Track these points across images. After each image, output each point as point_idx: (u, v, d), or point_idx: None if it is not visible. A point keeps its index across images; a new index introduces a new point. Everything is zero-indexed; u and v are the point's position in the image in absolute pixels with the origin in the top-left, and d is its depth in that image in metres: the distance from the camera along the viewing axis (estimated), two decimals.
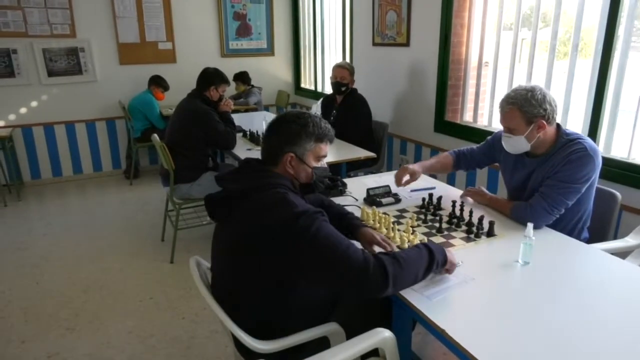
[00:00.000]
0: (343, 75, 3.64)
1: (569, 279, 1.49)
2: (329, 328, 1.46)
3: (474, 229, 1.79)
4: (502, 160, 2.14)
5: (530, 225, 1.56)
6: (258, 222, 1.31)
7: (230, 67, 5.21)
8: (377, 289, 1.26)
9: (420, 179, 2.25)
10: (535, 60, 2.99)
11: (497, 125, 2.08)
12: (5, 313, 2.72)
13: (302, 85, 6.23)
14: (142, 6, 5.14)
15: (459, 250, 1.66)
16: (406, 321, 1.53)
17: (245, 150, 3.36)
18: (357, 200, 2.18)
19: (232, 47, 5.77)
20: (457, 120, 3.67)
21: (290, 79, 6.28)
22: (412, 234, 1.73)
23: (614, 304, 1.36)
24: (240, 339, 1.33)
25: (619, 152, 2.60)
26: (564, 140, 1.85)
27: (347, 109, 3.68)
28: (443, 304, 1.34)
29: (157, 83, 5.02)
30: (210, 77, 3.28)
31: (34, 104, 4.93)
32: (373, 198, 2.13)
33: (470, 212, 1.85)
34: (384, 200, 2.12)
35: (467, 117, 3.65)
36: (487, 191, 2.13)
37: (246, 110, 5.27)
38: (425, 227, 1.87)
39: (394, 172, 2.23)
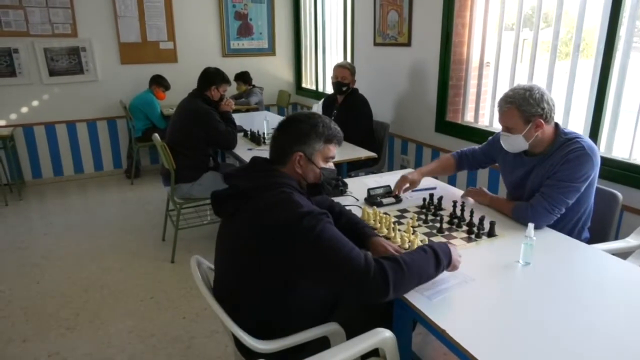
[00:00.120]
0: (344, 75, 3.64)
1: (570, 279, 1.49)
2: (329, 328, 1.46)
3: (475, 229, 1.79)
4: (501, 159, 2.15)
5: (531, 225, 1.56)
6: (262, 221, 1.31)
7: (231, 66, 5.21)
8: (377, 294, 1.25)
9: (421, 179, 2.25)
10: (536, 61, 2.99)
11: (498, 126, 2.09)
12: (5, 312, 2.73)
13: (303, 85, 6.23)
14: (143, 6, 5.14)
15: (460, 250, 1.65)
16: (406, 321, 1.52)
17: (246, 150, 3.36)
18: (357, 200, 2.18)
19: (234, 47, 5.77)
20: (458, 120, 3.67)
21: (291, 78, 6.28)
22: (412, 234, 1.73)
23: (614, 304, 1.35)
24: (240, 339, 1.33)
25: (620, 153, 2.59)
26: (562, 140, 1.86)
27: (348, 109, 3.68)
28: (443, 304, 1.34)
29: (158, 82, 5.03)
30: (211, 77, 3.28)
31: (35, 103, 4.94)
32: (374, 198, 2.13)
33: (471, 213, 1.85)
34: (384, 200, 2.12)
35: (468, 117, 3.64)
36: (487, 191, 2.14)
37: (247, 110, 5.27)
38: (426, 227, 1.87)
39: (395, 172, 2.24)
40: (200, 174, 3.24)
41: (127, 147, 5.39)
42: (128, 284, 3.02)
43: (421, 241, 1.68)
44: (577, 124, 2.78)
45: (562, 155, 1.82)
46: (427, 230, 1.84)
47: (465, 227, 1.84)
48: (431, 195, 2.08)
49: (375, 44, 4.35)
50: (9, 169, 4.72)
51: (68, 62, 4.95)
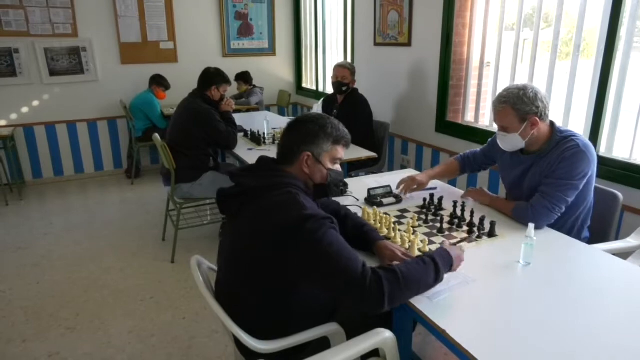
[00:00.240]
0: (344, 75, 3.64)
1: (570, 279, 1.49)
2: (330, 328, 1.45)
3: (475, 229, 1.79)
4: (499, 159, 2.18)
5: (531, 225, 1.56)
6: (267, 220, 1.31)
7: (231, 66, 5.21)
8: (371, 305, 1.24)
9: None
10: (537, 61, 2.99)
11: None
12: (6, 312, 2.73)
13: (304, 85, 6.23)
14: (143, 6, 5.14)
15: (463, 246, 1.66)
16: (407, 321, 1.52)
17: (246, 150, 3.35)
18: (358, 200, 2.18)
19: (234, 47, 5.77)
20: (458, 120, 3.67)
21: (291, 78, 6.28)
22: (412, 234, 1.73)
23: (615, 304, 1.35)
24: (240, 339, 1.33)
25: (620, 153, 2.59)
26: (558, 138, 1.89)
27: (348, 109, 3.67)
28: (444, 304, 1.34)
29: (158, 82, 5.02)
30: (211, 77, 3.28)
31: (35, 103, 4.94)
32: (374, 198, 2.13)
33: (472, 213, 1.85)
34: (385, 201, 2.12)
35: (469, 118, 3.64)
36: (488, 192, 2.14)
37: (247, 110, 5.27)
38: (426, 227, 1.87)
39: (395, 172, 2.24)
40: (200, 174, 3.24)
41: (128, 147, 5.39)
42: (128, 284, 3.02)
43: (421, 241, 1.68)
44: (577, 124, 2.78)
45: (559, 153, 1.84)
46: (427, 230, 1.84)
47: (465, 228, 1.84)
48: (431, 196, 2.08)
49: (376, 44, 4.35)
50: (9, 169, 4.72)
51: (68, 62, 4.95)
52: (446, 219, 1.92)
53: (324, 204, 1.67)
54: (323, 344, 1.45)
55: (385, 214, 1.91)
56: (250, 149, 3.39)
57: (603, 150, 2.64)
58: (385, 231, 1.79)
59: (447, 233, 1.81)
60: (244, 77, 5.53)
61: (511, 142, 1.93)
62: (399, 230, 1.79)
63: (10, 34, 4.65)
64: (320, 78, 5.79)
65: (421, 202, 2.08)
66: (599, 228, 2.07)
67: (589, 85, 2.65)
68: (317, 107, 4.20)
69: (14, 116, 4.87)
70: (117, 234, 3.80)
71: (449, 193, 2.22)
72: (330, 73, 3.89)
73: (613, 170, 2.53)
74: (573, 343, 1.17)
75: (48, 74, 4.89)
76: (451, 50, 3.49)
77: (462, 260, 1.45)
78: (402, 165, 4.22)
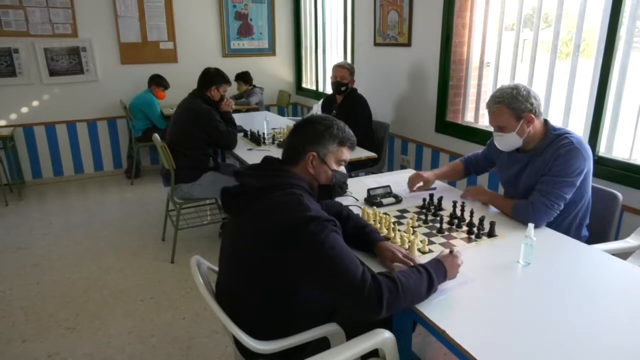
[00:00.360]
0: (343, 75, 3.64)
1: (570, 279, 1.49)
2: (329, 329, 1.45)
3: (475, 229, 1.79)
4: (497, 159, 2.19)
5: (531, 225, 1.56)
6: (270, 220, 1.31)
7: (231, 67, 5.21)
8: (368, 312, 1.23)
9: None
10: (536, 61, 2.99)
11: None
12: (5, 312, 2.72)
13: (304, 85, 6.23)
14: (143, 6, 5.14)
15: (460, 250, 1.65)
16: (406, 322, 1.52)
17: (246, 151, 3.35)
18: (357, 200, 2.18)
19: (234, 47, 5.77)
20: (458, 120, 3.67)
21: (291, 78, 6.28)
22: (412, 234, 1.73)
23: (615, 304, 1.35)
24: (239, 339, 1.33)
25: (620, 153, 2.59)
26: (552, 136, 1.90)
27: (347, 109, 3.67)
28: (443, 304, 1.34)
29: (157, 82, 5.02)
30: (211, 77, 3.28)
31: (35, 103, 4.94)
32: (374, 198, 2.13)
33: (471, 213, 1.85)
34: (384, 201, 2.12)
35: (469, 118, 3.64)
36: (486, 189, 2.15)
37: (247, 110, 5.27)
38: (426, 227, 1.87)
39: (395, 172, 2.25)
40: (200, 174, 3.24)
41: (127, 147, 5.39)
42: (128, 284, 3.02)
43: (421, 241, 1.68)
44: (577, 124, 2.78)
45: (554, 151, 1.86)
46: (427, 230, 1.84)
47: (465, 228, 1.84)
48: (431, 196, 2.08)
49: (376, 44, 4.35)
50: (9, 169, 4.72)
51: (68, 62, 4.95)
52: (446, 219, 1.92)
53: (327, 204, 1.67)
54: (323, 344, 1.45)
55: (385, 214, 1.91)
56: (250, 149, 3.39)
57: (603, 150, 2.64)
58: (385, 231, 1.79)
59: (446, 233, 1.81)
60: (243, 77, 5.53)
61: (508, 142, 1.94)
62: (399, 230, 1.79)
63: (10, 34, 4.65)
64: (320, 78, 5.79)
65: (421, 202, 2.08)
66: (598, 228, 2.07)
67: (588, 85, 2.65)
68: (317, 107, 4.20)
69: (13, 116, 4.87)
70: (117, 234, 3.80)
71: (448, 193, 2.22)
72: (330, 73, 3.89)
73: (613, 170, 2.53)
74: (573, 343, 1.17)
75: (48, 74, 4.89)
76: (451, 50, 3.49)
77: (459, 265, 1.43)
78: (401, 166, 4.22)
